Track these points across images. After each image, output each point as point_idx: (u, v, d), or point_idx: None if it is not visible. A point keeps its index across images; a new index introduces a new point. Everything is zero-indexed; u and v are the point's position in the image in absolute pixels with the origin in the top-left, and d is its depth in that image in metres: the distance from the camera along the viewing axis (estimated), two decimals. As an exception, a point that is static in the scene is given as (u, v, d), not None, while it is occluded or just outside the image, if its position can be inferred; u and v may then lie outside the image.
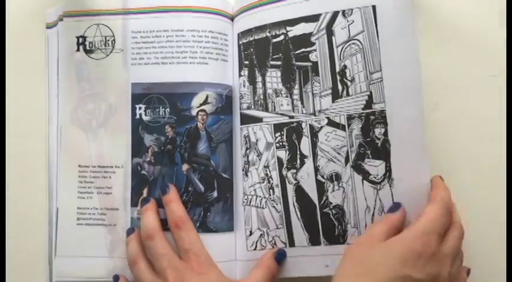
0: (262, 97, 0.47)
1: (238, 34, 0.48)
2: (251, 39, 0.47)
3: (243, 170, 0.48)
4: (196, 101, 0.48)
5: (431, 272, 0.38)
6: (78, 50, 0.50)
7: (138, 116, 0.49)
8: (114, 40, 0.49)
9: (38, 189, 0.50)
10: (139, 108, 0.49)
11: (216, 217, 0.47)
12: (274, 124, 0.46)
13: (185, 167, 0.48)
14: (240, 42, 0.48)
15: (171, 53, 0.48)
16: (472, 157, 0.48)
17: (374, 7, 0.43)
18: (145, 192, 0.48)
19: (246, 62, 0.48)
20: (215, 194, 0.47)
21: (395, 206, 0.42)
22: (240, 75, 0.48)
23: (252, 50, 0.47)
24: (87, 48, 0.50)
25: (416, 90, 0.43)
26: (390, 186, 0.43)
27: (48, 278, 0.49)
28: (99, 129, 0.49)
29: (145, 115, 0.48)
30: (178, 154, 0.48)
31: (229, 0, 0.49)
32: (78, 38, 0.50)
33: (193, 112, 0.48)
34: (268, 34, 0.46)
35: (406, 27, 0.43)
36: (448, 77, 0.49)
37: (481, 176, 0.48)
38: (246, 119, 0.48)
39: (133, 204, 0.48)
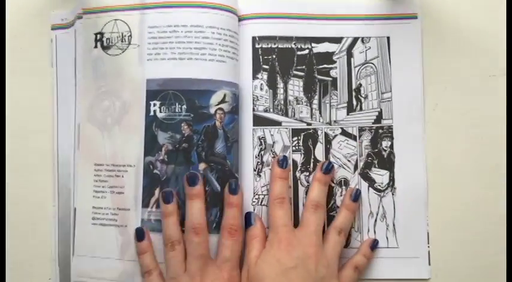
0: (282, 102, 0.49)
1: (255, 37, 0.49)
2: (274, 46, 0.49)
3: (254, 170, 0.48)
4: (215, 98, 0.46)
5: (299, 255, 0.42)
6: (96, 46, 0.49)
7: (152, 113, 0.47)
8: (130, 35, 0.48)
9: (41, 189, 0.49)
10: (154, 104, 0.47)
11: (232, 218, 0.45)
12: (292, 129, 0.49)
13: (202, 166, 0.46)
14: (258, 46, 0.49)
15: (189, 49, 0.47)
16: (472, 157, 0.48)
17: (388, 38, 0.50)
18: (156, 192, 0.46)
19: (266, 67, 0.49)
20: (231, 194, 0.45)
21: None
22: (255, 78, 0.49)
23: (274, 56, 0.49)
24: (105, 44, 0.49)
25: (419, 111, 0.49)
26: (393, 194, 0.48)
27: (59, 278, 0.48)
28: (113, 127, 0.48)
29: (160, 112, 0.47)
30: (195, 153, 0.46)
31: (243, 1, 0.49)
32: (96, 34, 0.49)
33: (212, 110, 0.46)
34: (293, 46, 0.50)
35: (414, 57, 0.49)
36: (448, 77, 0.49)
37: (481, 176, 0.48)
38: (262, 121, 0.49)
39: (145, 205, 0.46)
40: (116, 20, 0.48)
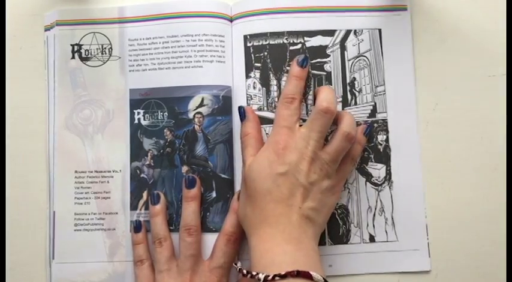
0: (276, 100, 0.49)
1: (246, 36, 0.50)
2: (265, 43, 0.49)
3: None
4: (192, 103, 0.49)
5: (292, 160, 0.42)
6: (73, 57, 0.51)
7: (136, 121, 0.50)
8: (111, 48, 0.50)
9: (38, 190, 0.50)
10: (138, 113, 0.50)
11: (216, 217, 0.48)
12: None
13: (185, 168, 0.49)
14: (249, 45, 0.50)
15: (167, 58, 0.50)
16: (472, 157, 0.48)
17: (380, 30, 0.49)
18: (145, 195, 0.49)
19: (258, 64, 0.49)
20: (214, 194, 0.49)
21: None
22: (248, 77, 0.50)
23: (265, 53, 0.49)
24: (83, 55, 0.50)
25: (412, 103, 0.49)
26: (390, 188, 0.48)
27: (49, 281, 0.49)
28: (95, 135, 0.50)
29: (144, 120, 0.50)
30: (178, 156, 0.49)
31: (227, 2, 0.51)
32: (73, 46, 0.51)
33: (190, 115, 0.49)
34: (285, 41, 0.49)
35: (405, 50, 0.49)
36: (448, 77, 0.49)
37: (481, 176, 0.48)
38: None
39: (133, 207, 0.49)
40: (94, 32, 0.50)
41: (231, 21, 0.51)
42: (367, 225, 0.48)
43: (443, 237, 0.48)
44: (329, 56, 0.49)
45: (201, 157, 0.49)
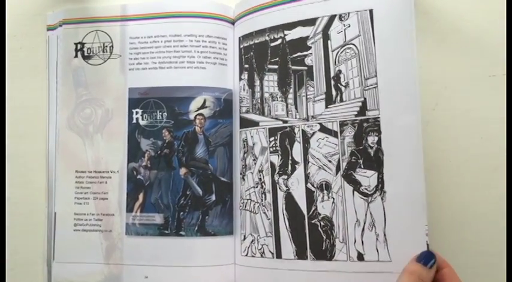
0: (259, 101, 0.46)
1: (240, 38, 0.49)
2: (251, 43, 0.47)
3: (240, 173, 0.47)
4: (194, 105, 0.48)
5: None
6: (76, 56, 0.50)
7: (134, 121, 0.49)
8: (112, 46, 0.50)
9: (38, 190, 0.50)
10: (136, 112, 0.49)
11: (215, 221, 0.47)
12: (269, 128, 0.45)
13: (183, 170, 0.48)
14: (241, 46, 0.48)
15: (168, 58, 0.49)
16: (472, 157, 0.47)
17: (371, 11, 0.42)
18: (140, 197, 0.48)
19: (246, 66, 0.48)
20: (213, 197, 0.47)
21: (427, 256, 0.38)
22: (240, 79, 0.48)
23: (252, 53, 0.47)
24: (86, 54, 0.50)
25: (414, 97, 0.40)
26: (382, 199, 0.40)
27: (47, 280, 0.48)
28: (95, 135, 0.49)
29: (142, 119, 0.48)
30: (176, 158, 0.48)
31: (230, 4, 0.50)
32: (76, 44, 0.50)
33: (191, 116, 0.48)
34: (267, 38, 0.46)
35: (404, 32, 0.41)
36: (448, 77, 0.48)
37: (481, 176, 0.47)
38: (245, 123, 0.47)
39: (129, 209, 0.48)
40: (97, 30, 0.50)
41: (233, 23, 0.50)
42: (355, 241, 0.41)
43: (443, 238, 0.47)
44: (310, 48, 0.44)
45: (201, 159, 0.48)
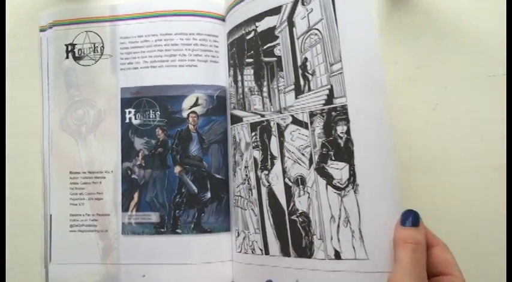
0: (242, 96, 0.45)
1: (227, 34, 0.48)
2: (233, 38, 0.47)
3: (232, 170, 0.47)
4: (187, 103, 0.48)
5: None
6: (67, 57, 0.50)
7: (127, 120, 0.49)
8: (103, 46, 0.50)
9: (37, 191, 0.50)
10: (129, 112, 0.49)
11: (211, 218, 0.47)
12: (250, 123, 0.44)
13: (177, 169, 0.48)
14: (228, 42, 0.48)
15: (160, 56, 0.49)
16: (472, 157, 0.47)
17: None
18: (135, 196, 0.48)
19: (231, 62, 0.47)
20: (208, 194, 0.47)
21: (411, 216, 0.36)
22: (229, 75, 0.48)
23: (234, 49, 0.47)
24: (76, 55, 0.50)
25: (379, 81, 0.37)
26: (355, 192, 0.37)
27: (45, 281, 0.48)
28: (88, 135, 0.49)
29: (135, 119, 0.49)
30: (170, 156, 0.48)
31: (220, 1, 0.50)
32: (67, 45, 0.50)
33: (184, 114, 0.48)
34: (243, 31, 0.45)
35: (366, 12, 0.38)
36: (448, 77, 0.48)
37: (481, 176, 0.47)
38: (234, 119, 0.47)
39: (124, 209, 0.48)
40: (87, 31, 0.50)
41: (224, 20, 0.50)
42: (331, 238, 0.38)
43: (443, 238, 0.45)
44: (278, 37, 0.42)
45: (195, 157, 0.48)
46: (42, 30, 0.52)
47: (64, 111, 0.50)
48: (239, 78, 0.46)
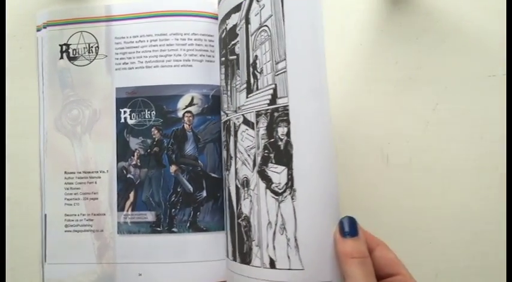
0: (219, 95, 0.46)
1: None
2: (218, 38, 0.47)
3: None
4: (182, 102, 0.49)
5: None
6: (61, 57, 0.50)
7: (122, 120, 0.49)
8: (97, 46, 0.50)
9: (35, 190, 0.50)
10: (124, 112, 0.49)
11: (206, 216, 0.47)
12: (222, 122, 0.44)
13: (173, 168, 0.48)
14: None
15: (155, 56, 0.49)
16: (472, 157, 0.47)
17: None
18: (131, 195, 0.48)
19: (222, 59, 0.46)
20: (204, 193, 0.48)
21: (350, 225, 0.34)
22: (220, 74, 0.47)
23: (220, 47, 0.46)
24: (71, 55, 0.50)
25: (321, 82, 0.35)
26: (292, 198, 0.34)
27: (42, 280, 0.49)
28: (83, 135, 0.49)
29: (131, 119, 0.49)
30: (166, 156, 0.48)
31: (215, 1, 0.50)
32: (61, 46, 0.50)
33: (180, 114, 0.48)
34: (220, 30, 0.45)
35: (314, 10, 0.36)
36: (448, 77, 0.49)
37: (481, 176, 0.47)
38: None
39: (120, 208, 0.48)
40: (82, 31, 0.50)
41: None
42: (267, 245, 0.36)
43: (443, 238, 0.47)
44: (238, 35, 0.40)
45: (191, 156, 0.48)
46: (38, 30, 0.52)
47: (59, 112, 0.50)
48: (222, 77, 0.45)
